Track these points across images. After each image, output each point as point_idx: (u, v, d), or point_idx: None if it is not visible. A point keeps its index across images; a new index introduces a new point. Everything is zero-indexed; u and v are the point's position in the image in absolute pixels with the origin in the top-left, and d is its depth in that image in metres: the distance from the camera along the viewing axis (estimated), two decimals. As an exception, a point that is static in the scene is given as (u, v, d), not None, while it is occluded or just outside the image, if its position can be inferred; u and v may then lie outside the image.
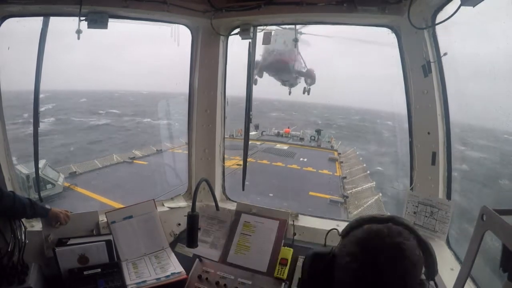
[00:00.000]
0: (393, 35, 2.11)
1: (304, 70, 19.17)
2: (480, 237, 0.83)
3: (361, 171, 17.78)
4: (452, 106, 1.99)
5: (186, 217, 1.77)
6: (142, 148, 21.26)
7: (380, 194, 13.59)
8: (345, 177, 17.02)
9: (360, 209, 12.64)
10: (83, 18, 2.02)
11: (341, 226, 2.20)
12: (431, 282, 0.89)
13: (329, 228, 2.13)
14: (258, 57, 15.29)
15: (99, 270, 1.89)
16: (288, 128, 32.41)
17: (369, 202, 13.05)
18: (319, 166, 18.96)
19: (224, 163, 2.72)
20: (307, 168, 18.73)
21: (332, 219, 2.39)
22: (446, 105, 2.00)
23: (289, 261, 1.92)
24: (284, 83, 19.23)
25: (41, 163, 12.41)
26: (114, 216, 2.17)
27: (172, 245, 2.30)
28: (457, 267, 1.70)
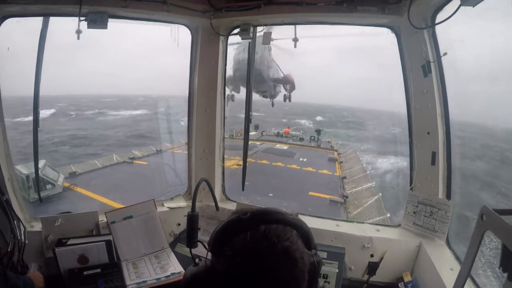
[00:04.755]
0: (393, 35, 2.12)
1: (280, 77, 18.23)
2: (480, 237, 0.84)
3: (361, 171, 17.77)
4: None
5: (186, 217, 1.77)
6: (142, 148, 21.26)
7: (380, 194, 13.59)
8: (345, 177, 17.01)
9: (360, 209, 12.64)
10: (83, 18, 2.02)
11: (341, 226, 2.23)
12: (313, 251, 0.85)
13: (329, 228, 2.15)
14: (229, 70, 13.31)
15: (99, 270, 1.89)
16: (288, 128, 32.46)
17: (369, 202, 13.05)
18: (319, 166, 18.94)
19: (224, 163, 2.72)
20: (307, 168, 18.71)
21: (332, 219, 2.39)
22: (446, 105, 2.00)
23: None
24: (263, 94, 17.83)
25: (41, 163, 12.41)
26: (114, 216, 2.16)
27: (172, 245, 2.31)
28: (457, 267, 1.70)
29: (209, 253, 0.86)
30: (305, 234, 0.84)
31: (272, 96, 19.11)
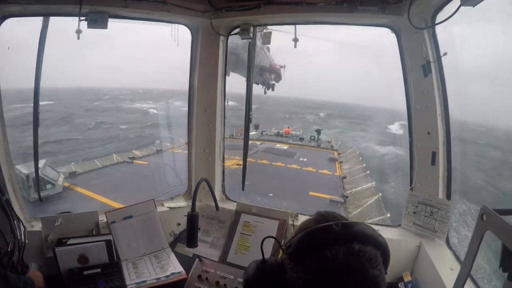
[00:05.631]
0: (393, 35, 2.12)
1: (267, 66, 18.76)
2: (480, 237, 0.84)
3: (361, 171, 17.78)
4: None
5: (186, 217, 1.77)
6: (142, 148, 21.29)
7: (380, 194, 13.60)
8: (345, 177, 17.02)
9: (360, 209, 12.66)
10: (83, 18, 2.02)
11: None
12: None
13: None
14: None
15: (99, 270, 1.89)
16: (288, 128, 32.50)
17: (369, 201, 13.06)
18: (319, 166, 18.97)
19: (224, 163, 2.72)
20: (307, 168, 18.73)
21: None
22: (446, 105, 2.00)
23: None
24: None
25: (41, 163, 12.42)
26: (114, 216, 2.16)
27: (172, 245, 2.30)
28: (457, 267, 1.70)
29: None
30: (387, 259, 0.79)
31: (263, 83, 19.67)
